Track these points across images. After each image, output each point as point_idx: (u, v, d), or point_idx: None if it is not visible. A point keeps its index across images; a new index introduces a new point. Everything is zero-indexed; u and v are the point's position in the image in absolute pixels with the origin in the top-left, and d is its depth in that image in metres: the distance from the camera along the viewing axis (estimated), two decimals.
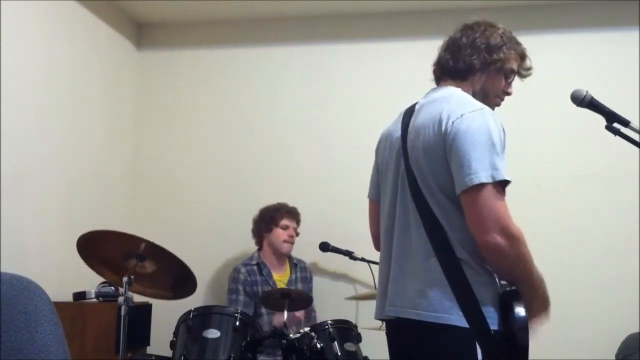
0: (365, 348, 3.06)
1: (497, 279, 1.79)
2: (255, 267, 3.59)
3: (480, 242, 1.69)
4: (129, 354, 2.77)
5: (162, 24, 4.36)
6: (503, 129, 1.77)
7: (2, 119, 3.03)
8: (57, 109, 3.51)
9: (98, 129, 3.90)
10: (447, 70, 1.95)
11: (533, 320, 1.79)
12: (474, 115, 1.74)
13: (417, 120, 1.87)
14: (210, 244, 4.03)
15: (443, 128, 1.74)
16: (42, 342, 1.15)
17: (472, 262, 1.73)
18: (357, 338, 3.07)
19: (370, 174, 2.12)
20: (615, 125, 1.83)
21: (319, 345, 2.72)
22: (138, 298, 2.92)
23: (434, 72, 2.01)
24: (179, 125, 4.28)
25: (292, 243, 3.67)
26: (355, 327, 3.11)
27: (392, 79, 3.99)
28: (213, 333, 2.78)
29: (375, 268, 2.95)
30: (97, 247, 2.53)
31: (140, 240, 2.48)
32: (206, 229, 4.09)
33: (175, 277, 2.67)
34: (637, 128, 1.79)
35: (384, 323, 1.98)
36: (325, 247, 3.68)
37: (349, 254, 3.66)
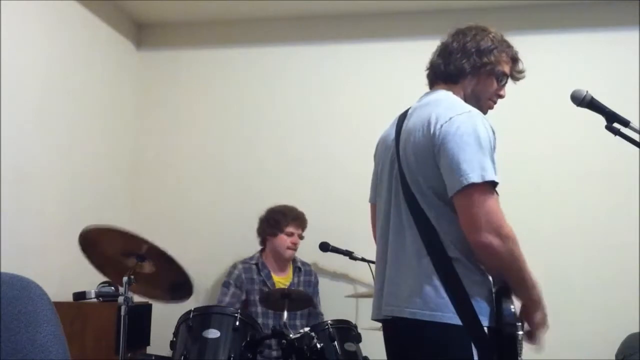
0: (365, 348, 3.06)
1: (490, 277, 1.81)
2: (253, 266, 3.59)
3: (472, 242, 1.72)
4: (129, 354, 2.76)
5: (162, 24, 4.36)
6: (493, 130, 1.81)
7: (2, 119, 3.03)
8: (57, 109, 3.51)
9: (98, 129, 3.90)
10: (439, 75, 2.00)
11: (530, 322, 1.81)
12: (462, 118, 1.77)
13: (409, 123, 1.91)
14: (210, 244, 4.03)
15: (432, 130, 1.78)
16: (42, 342, 1.15)
17: (465, 261, 1.76)
18: (357, 338, 3.07)
19: (371, 177, 2.14)
20: (615, 125, 1.83)
21: (319, 345, 2.72)
22: (138, 298, 2.92)
23: (428, 76, 2.05)
24: (179, 125, 4.28)
25: (295, 249, 3.66)
26: (355, 327, 3.11)
27: (393, 79, 3.99)
28: (213, 333, 2.78)
29: None
30: (98, 243, 2.53)
31: (142, 240, 2.48)
32: (206, 229, 4.09)
33: (172, 282, 2.66)
34: (637, 128, 1.80)
35: (382, 324, 1.99)
36: (325, 247, 3.68)
37: (349, 254, 3.66)
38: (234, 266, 3.61)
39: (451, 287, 1.73)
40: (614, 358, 3.33)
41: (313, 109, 4.14)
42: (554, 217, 3.74)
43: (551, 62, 3.85)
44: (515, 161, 3.77)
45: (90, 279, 2.92)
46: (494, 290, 1.81)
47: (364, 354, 3.06)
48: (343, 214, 3.84)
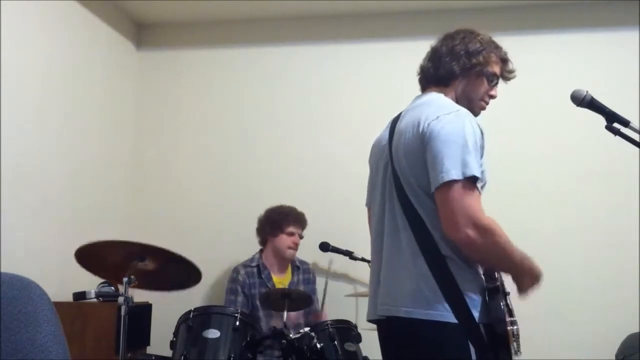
0: (365, 348, 3.06)
1: (481, 273, 1.84)
2: (254, 269, 3.58)
3: (454, 239, 1.75)
4: (129, 354, 2.76)
5: (162, 24, 4.36)
6: (481, 130, 1.84)
7: (2, 119, 3.03)
8: (57, 109, 3.51)
9: (98, 129, 3.89)
10: (430, 78, 2.03)
11: (526, 293, 1.85)
12: (449, 117, 1.81)
13: (400, 125, 1.95)
14: (210, 244, 4.03)
15: (420, 129, 1.82)
16: (42, 342, 1.15)
17: (457, 259, 1.78)
18: (357, 338, 3.07)
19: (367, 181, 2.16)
20: (615, 125, 1.83)
21: (319, 346, 2.72)
22: (140, 297, 2.92)
23: (419, 81, 2.09)
24: (179, 125, 4.28)
25: (296, 249, 3.66)
26: (355, 327, 3.12)
27: (393, 79, 3.98)
28: (213, 333, 2.78)
29: None
30: (95, 256, 2.54)
31: (137, 245, 2.48)
32: (206, 229, 4.09)
33: (178, 273, 2.66)
34: (637, 128, 1.80)
35: (377, 325, 2.01)
36: (325, 247, 3.67)
37: (349, 254, 3.66)
38: (237, 271, 3.58)
39: (446, 286, 1.76)
40: (614, 358, 3.33)
41: (313, 109, 4.14)
42: (554, 217, 3.74)
43: (551, 62, 3.86)
44: (515, 161, 3.77)
45: (90, 279, 2.91)
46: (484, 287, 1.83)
47: (364, 354, 3.06)
48: (343, 214, 3.84)
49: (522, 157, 3.80)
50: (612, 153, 3.27)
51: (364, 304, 3.64)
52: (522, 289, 1.85)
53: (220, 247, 4.02)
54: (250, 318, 2.96)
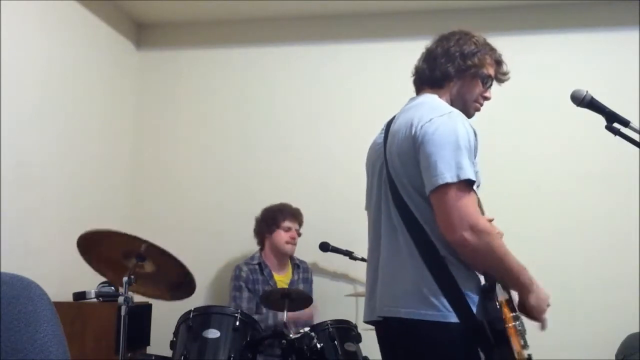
0: (365, 348, 3.06)
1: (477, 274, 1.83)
2: (256, 267, 3.58)
3: (450, 241, 1.75)
4: (129, 354, 2.76)
5: (162, 24, 4.36)
6: (474, 131, 1.84)
7: (2, 119, 3.03)
8: (57, 109, 3.51)
9: (98, 129, 3.89)
10: (424, 80, 2.04)
11: (526, 307, 1.82)
12: (442, 119, 1.81)
13: (394, 127, 1.95)
14: (211, 244, 4.03)
15: (413, 131, 1.83)
16: (42, 342, 1.15)
17: (454, 259, 1.78)
18: (357, 338, 3.07)
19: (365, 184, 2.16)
20: (615, 125, 1.83)
21: (319, 346, 2.72)
22: (138, 298, 2.92)
23: (414, 82, 2.09)
24: (179, 125, 4.28)
25: (295, 244, 3.66)
26: (355, 327, 3.11)
27: (392, 78, 3.94)
28: (213, 333, 2.78)
29: None
30: (97, 247, 2.53)
31: (141, 241, 2.48)
32: (206, 229, 4.09)
33: (174, 279, 2.66)
34: (637, 128, 1.80)
35: (375, 327, 2.00)
36: (325, 247, 3.68)
37: (349, 254, 3.66)
38: (239, 268, 3.58)
39: (445, 286, 1.75)
40: (614, 358, 3.33)
41: (313, 109, 4.14)
42: (554, 217, 3.74)
43: (551, 62, 3.86)
44: (515, 161, 3.78)
45: (90, 279, 2.92)
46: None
47: (364, 354, 3.06)
48: (343, 214, 3.84)
49: (522, 157, 3.80)
50: (612, 153, 3.28)
51: (363, 304, 3.67)
52: (532, 310, 1.81)
53: (220, 247, 4.02)
54: (250, 318, 2.96)
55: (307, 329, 2.80)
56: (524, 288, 1.81)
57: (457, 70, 1.98)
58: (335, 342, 2.94)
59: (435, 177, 1.74)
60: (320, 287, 3.82)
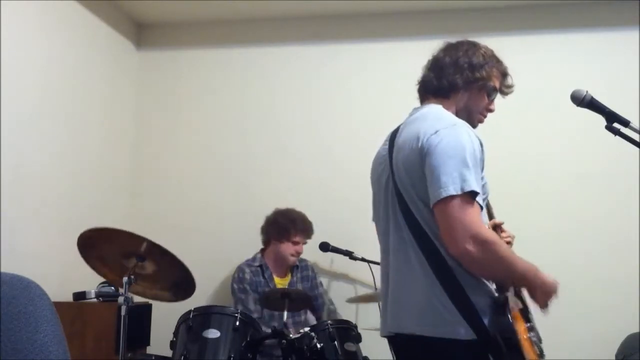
0: (365, 348, 3.06)
1: (488, 283, 1.83)
2: (258, 269, 3.58)
3: (454, 254, 1.74)
4: (129, 354, 2.77)
5: (162, 24, 4.36)
6: (480, 143, 1.83)
7: (2, 119, 3.03)
8: (57, 109, 3.51)
9: (98, 129, 3.89)
10: (430, 89, 2.01)
11: (543, 305, 1.85)
12: (447, 131, 1.80)
13: (399, 139, 1.93)
14: (211, 244, 4.03)
15: (419, 144, 1.81)
16: (42, 342, 1.15)
17: (463, 271, 1.76)
18: (357, 338, 3.06)
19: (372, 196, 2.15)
20: (615, 125, 1.83)
21: (319, 346, 2.72)
22: (138, 298, 2.92)
23: (418, 91, 2.07)
24: (179, 125, 4.28)
25: (298, 257, 3.65)
26: (355, 327, 3.11)
27: (393, 79, 3.98)
28: (213, 333, 2.78)
29: (375, 268, 2.96)
30: (97, 245, 2.53)
31: (141, 239, 2.48)
32: (206, 229, 4.09)
33: (174, 279, 2.66)
34: (637, 128, 1.79)
35: (388, 340, 2.00)
36: (325, 247, 3.67)
37: (349, 254, 3.66)
38: (242, 270, 3.57)
39: (457, 301, 1.74)
40: (614, 358, 3.33)
41: (313, 109, 4.14)
42: (554, 217, 3.74)
43: (551, 62, 3.85)
44: (515, 161, 3.77)
45: (90, 279, 2.92)
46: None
47: (364, 354, 3.06)
48: (343, 214, 3.84)
49: (522, 157, 3.80)
50: (612, 153, 3.27)
51: (364, 304, 3.67)
52: (537, 302, 1.83)
53: (220, 247, 4.02)
54: (250, 318, 2.96)
55: (307, 329, 2.80)
56: (530, 288, 1.83)
57: (465, 82, 1.96)
58: (335, 342, 2.94)
59: (439, 190, 1.73)
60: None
